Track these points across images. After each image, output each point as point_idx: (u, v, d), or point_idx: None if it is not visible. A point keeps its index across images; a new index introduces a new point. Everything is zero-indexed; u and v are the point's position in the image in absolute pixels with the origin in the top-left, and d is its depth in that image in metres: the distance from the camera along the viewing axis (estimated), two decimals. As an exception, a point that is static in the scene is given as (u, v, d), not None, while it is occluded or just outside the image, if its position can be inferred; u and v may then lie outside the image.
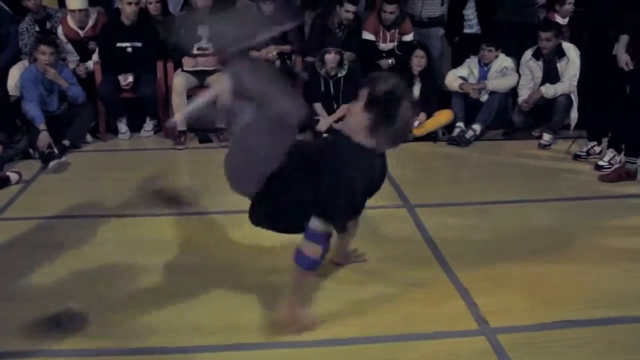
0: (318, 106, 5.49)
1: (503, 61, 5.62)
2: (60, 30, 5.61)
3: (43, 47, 5.08)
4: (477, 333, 2.62)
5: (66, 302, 2.86)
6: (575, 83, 5.39)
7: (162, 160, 5.17)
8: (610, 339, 2.58)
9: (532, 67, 5.49)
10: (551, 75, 5.41)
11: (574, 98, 5.43)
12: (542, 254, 3.33)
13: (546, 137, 5.39)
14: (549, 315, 2.74)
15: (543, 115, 5.49)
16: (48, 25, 5.69)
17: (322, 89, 5.46)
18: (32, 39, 5.51)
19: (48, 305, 2.82)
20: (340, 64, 5.44)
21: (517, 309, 2.80)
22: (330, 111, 5.50)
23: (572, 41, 5.60)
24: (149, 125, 5.78)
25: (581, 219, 3.82)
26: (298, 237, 2.55)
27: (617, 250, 3.40)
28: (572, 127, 5.50)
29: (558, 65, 5.39)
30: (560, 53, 5.38)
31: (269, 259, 3.22)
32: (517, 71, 5.61)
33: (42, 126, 4.98)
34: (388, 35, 5.91)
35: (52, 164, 4.80)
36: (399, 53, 5.88)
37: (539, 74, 5.46)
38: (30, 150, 5.06)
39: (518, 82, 5.57)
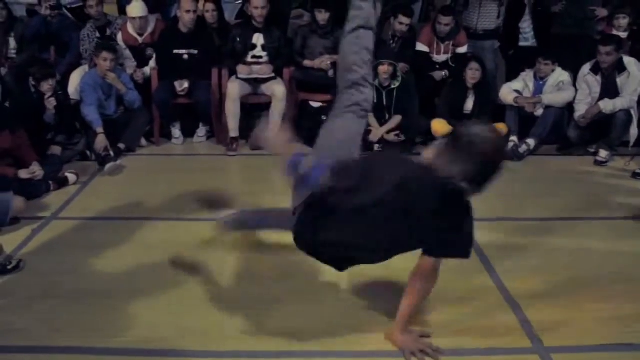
0: (370, 116, 5.48)
1: (559, 75, 5.51)
2: (119, 37, 5.77)
3: (105, 54, 5.22)
4: (531, 351, 2.57)
5: (112, 301, 2.93)
6: (636, 98, 5.23)
7: (214, 165, 5.23)
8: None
9: (589, 81, 5.37)
10: (610, 90, 5.28)
11: (634, 114, 5.27)
12: (596, 273, 3.25)
13: (603, 153, 5.25)
14: (606, 336, 2.66)
15: (600, 131, 5.35)
16: (108, 32, 5.85)
17: (375, 99, 5.45)
18: (92, 45, 5.67)
19: (96, 303, 2.90)
20: (393, 76, 5.43)
21: (572, 328, 2.73)
22: (382, 122, 5.48)
23: (632, 55, 5.47)
24: (202, 131, 5.87)
25: (638, 238, 3.70)
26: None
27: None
28: (631, 144, 5.34)
29: (618, 80, 5.25)
30: (621, 67, 5.24)
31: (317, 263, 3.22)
32: (574, 85, 5.50)
33: (99, 129, 5.11)
34: (442, 47, 5.87)
35: (108, 166, 4.93)
36: (453, 65, 5.83)
37: (596, 89, 5.34)
38: (88, 153, 5.20)
39: (574, 97, 5.46)
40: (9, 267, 3.21)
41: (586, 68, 5.40)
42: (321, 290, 3.04)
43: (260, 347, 2.59)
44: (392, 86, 5.44)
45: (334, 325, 2.74)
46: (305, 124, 5.75)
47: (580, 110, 5.39)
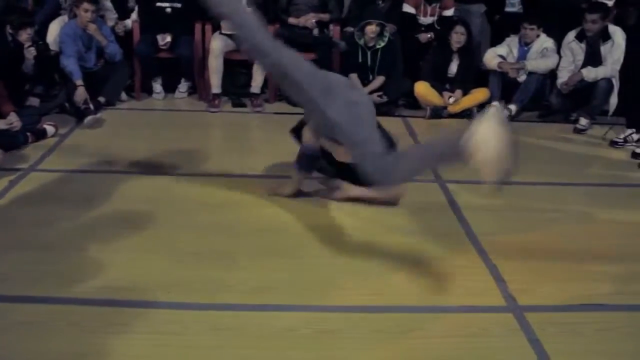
0: (354, 76, 5.45)
1: (544, 42, 5.51)
2: (100, -13, 5.63)
3: (86, 5, 5.10)
4: (505, 309, 2.61)
5: (87, 252, 2.91)
6: (619, 67, 5.26)
7: (194, 121, 5.19)
8: (640, 324, 2.56)
9: (574, 49, 5.38)
10: (594, 58, 5.29)
11: (615, 83, 5.31)
12: (571, 236, 3.30)
13: (583, 121, 5.29)
14: (578, 297, 2.71)
15: (581, 99, 5.38)
16: (89, -19, 5.69)
17: (360, 59, 5.42)
18: (72, -5, 5.53)
19: (71, 255, 2.89)
20: (380, 35, 5.39)
21: (545, 289, 2.77)
22: (365, 82, 5.46)
23: (616, 23, 5.46)
24: (183, 86, 5.81)
25: (612, 205, 3.77)
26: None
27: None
28: (610, 113, 5.38)
29: (602, 48, 5.26)
30: (605, 36, 5.25)
31: (294, 220, 3.24)
32: (558, 53, 5.50)
33: (79, 81, 5.02)
34: (429, 9, 5.83)
35: (87, 119, 4.86)
36: (438, 28, 5.80)
37: (580, 57, 5.35)
38: (66, 105, 5.11)
39: (558, 64, 5.47)
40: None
41: (571, 35, 5.40)
42: (298, 245, 3.06)
43: (233, 300, 2.59)
44: (377, 46, 5.41)
45: (311, 280, 2.77)
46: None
47: (563, 77, 5.41)
